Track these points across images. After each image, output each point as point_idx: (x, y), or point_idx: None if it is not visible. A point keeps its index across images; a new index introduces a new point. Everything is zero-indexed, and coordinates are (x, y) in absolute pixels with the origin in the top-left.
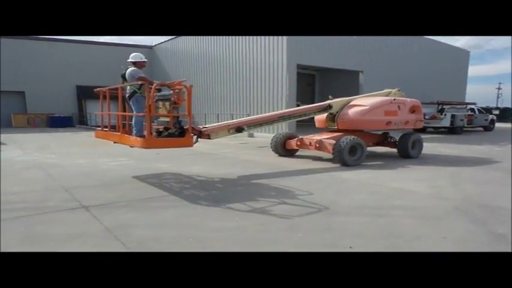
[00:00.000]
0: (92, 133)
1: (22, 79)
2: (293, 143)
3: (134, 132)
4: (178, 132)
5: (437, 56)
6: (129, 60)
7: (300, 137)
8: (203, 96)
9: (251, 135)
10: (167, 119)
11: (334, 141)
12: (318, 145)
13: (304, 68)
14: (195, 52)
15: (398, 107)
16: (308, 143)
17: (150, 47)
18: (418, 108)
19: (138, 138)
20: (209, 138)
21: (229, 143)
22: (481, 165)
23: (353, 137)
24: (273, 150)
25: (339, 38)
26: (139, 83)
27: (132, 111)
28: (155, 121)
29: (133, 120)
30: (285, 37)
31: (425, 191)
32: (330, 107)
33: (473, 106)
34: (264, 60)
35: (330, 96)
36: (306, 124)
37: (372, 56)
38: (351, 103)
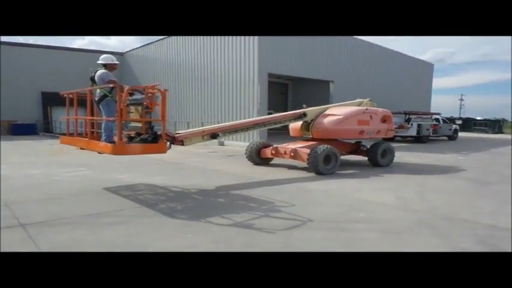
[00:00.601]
0: (56, 141)
1: None
2: (268, 152)
3: (103, 138)
4: (151, 138)
5: (404, 68)
6: (99, 61)
7: (275, 145)
8: (173, 103)
9: (221, 144)
10: (139, 125)
11: (309, 150)
12: (292, 154)
13: (278, 77)
14: (165, 59)
15: (371, 116)
16: (283, 152)
17: (121, 54)
18: (389, 118)
19: (108, 144)
20: (182, 145)
21: (198, 152)
22: (446, 174)
23: (328, 146)
24: (247, 159)
25: (310, 48)
26: (110, 86)
27: (102, 116)
28: (125, 127)
29: (102, 125)
30: (256, 46)
31: (390, 202)
32: (304, 115)
33: (438, 116)
34: (235, 69)
35: (304, 105)
36: (278, 132)
37: (342, 67)
38: (325, 112)
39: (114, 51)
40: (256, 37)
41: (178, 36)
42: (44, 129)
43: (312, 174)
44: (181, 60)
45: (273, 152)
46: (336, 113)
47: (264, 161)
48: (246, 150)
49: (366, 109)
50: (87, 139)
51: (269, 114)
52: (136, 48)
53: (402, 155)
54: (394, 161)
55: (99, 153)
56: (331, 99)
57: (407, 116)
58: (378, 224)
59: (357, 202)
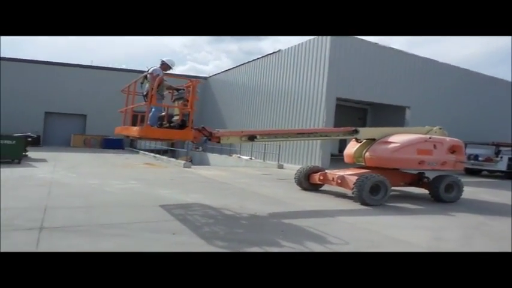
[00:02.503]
0: (132, 155)
1: (85, 104)
2: (316, 177)
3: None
4: (178, 125)
5: (496, 94)
6: (161, 59)
7: (325, 171)
8: (246, 125)
9: (281, 167)
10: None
11: (356, 178)
12: (339, 181)
13: (356, 102)
14: (242, 83)
15: (434, 146)
16: (331, 178)
17: (205, 78)
18: (459, 148)
19: (138, 128)
20: (219, 142)
21: (251, 173)
22: None
23: (376, 174)
24: (296, 183)
25: (384, 72)
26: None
27: (150, 109)
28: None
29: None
30: (326, 70)
31: (420, 243)
32: (356, 131)
33: None
34: (305, 92)
35: None
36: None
37: (419, 92)
38: (382, 139)
39: (202, 75)
40: (327, 61)
41: (255, 62)
42: (129, 145)
43: (356, 205)
44: (256, 84)
45: (321, 177)
46: (393, 140)
47: (314, 187)
48: (295, 174)
49: (430, 137)
50: (127, 127)
51: None
52: (219, 73)
53: (478, 191)
54: (465, 197)
55: (135, 137)
56: (407, 125)
57: (497, 148)
58: None
59: (380, 239)
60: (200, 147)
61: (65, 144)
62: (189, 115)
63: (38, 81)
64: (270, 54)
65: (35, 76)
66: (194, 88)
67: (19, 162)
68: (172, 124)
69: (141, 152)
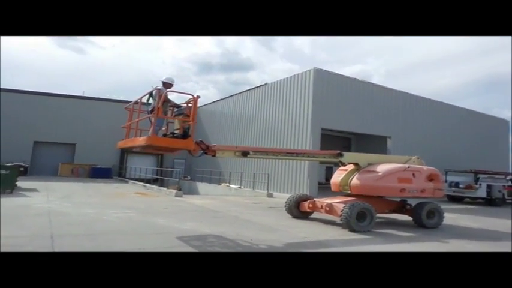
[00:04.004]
0: (121, 184)
1: (75, 133)
2: (306, 205)
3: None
4: (181, 135)
5: (472, 125)
6: (162, 80)
7: (314, 199)
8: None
9: (270, 195)
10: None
11: (343, 206)
12: (328, 208)
13: (340, 132)
14: (230, 114)
15: (413, 174)
16: (319, 206)
17: None
18: (437, 176)
19: (144, 137)
20: (214, 155)
21: (242, 202)
22: (493, 242)
23: (361, 202)
24: (287, 211)
25: (365, 104)
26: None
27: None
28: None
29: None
30: (310, 102)
31: None
32: (340, 154)
33: None
34: (291, 123)
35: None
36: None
37: (399, 123)
38: (366, 169)
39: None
40: (310, 95)
41: (243, 94)
42: (118, 174)
43: (345, 231)
44: (245, 115)
45: (310, 205)
46: (375, 169)
47: (303, 214)
48: (286, 202)
49: (408, 166)
50: (133, 139)
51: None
52: (207, 104)
53: (459, 218)
54: (447, 223)
55: (141, 146)
56: (389, 154)
57: (476, 176)
58: None
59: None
60: (189, 176)
61: (51, 173)
62: (189, 128)
63: (28, 111)
64: (258, 87)
65: (24, 106)
66: (196, 102)
67: (11, 192)
68: (175, 135)
69: (130, 181)
